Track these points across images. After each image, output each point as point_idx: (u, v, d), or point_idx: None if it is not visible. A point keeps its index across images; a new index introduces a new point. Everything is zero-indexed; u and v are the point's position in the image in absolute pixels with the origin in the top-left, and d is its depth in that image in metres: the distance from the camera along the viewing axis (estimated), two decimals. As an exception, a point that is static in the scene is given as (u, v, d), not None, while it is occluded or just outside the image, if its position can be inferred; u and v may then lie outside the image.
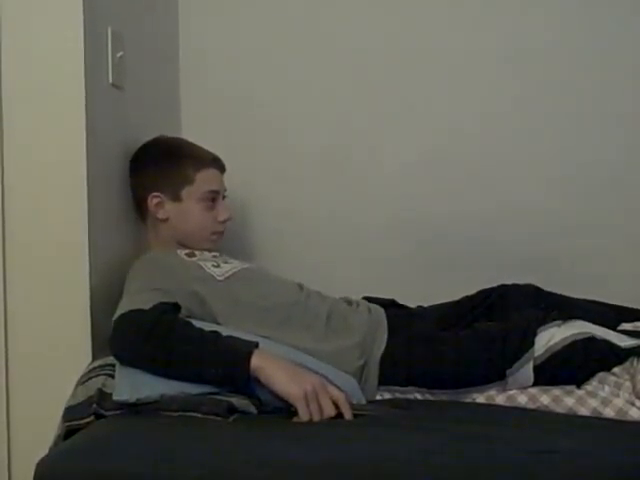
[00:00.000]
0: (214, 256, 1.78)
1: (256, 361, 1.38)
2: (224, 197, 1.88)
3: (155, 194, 1.78)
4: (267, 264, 2.00)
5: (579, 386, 1.50)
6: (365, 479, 1.11)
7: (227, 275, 1.68)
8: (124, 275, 1.71)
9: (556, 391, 1.49)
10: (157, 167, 1.80)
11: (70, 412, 1.38)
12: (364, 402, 1.52)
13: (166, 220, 1.79)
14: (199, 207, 1.79)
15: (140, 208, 1.83)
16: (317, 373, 1.46)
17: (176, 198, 1.78)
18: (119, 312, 1.48)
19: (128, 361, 1.42)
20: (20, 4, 1.59)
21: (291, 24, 2.19)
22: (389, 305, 1.80)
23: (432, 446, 1.20)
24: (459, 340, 1.60)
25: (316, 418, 1.35)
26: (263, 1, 2.19)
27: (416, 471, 1.12)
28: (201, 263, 1.70)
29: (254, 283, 1.70)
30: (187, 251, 1.75)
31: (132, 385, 1.38)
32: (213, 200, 1.81)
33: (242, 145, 2.17)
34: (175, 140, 1.89)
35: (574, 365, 1.51)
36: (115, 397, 1.37)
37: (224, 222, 1.84)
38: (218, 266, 1.70)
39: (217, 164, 1.85)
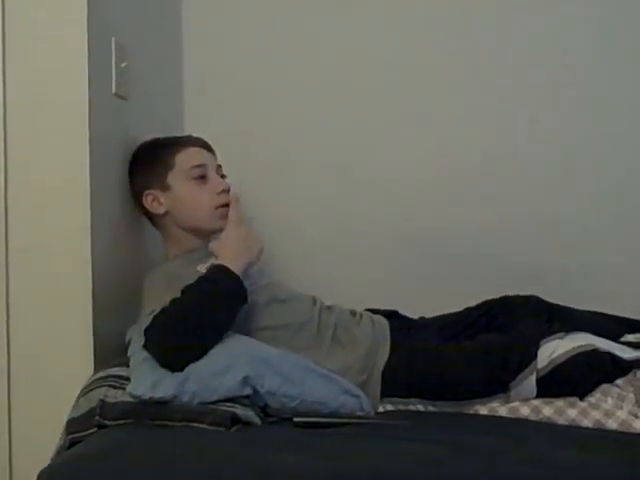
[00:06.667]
0: None
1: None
2: (222, 176, 1.83)
3: (147, 192, 1.75)
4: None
5: (582, 398, 1.49)
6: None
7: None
8: (127, 285, 1.71)
9: (559, 403, 1.48)
10: (141, 167, 1.78)
11: (72, 424, 1.38)
12: (372, 413, 1.52)
13: (166, 213, 1.76)
14: (189, 186, 1.74)
15: (147, 216, 1.82)
16: (328, 378, 1.52)
17: (165, 187, 1.74)
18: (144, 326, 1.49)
19: (171, 347, 1.44)
20: (24, 14, 1.59)
21: (293, 32, 2.19)
22: (391, 316, 1.80)
23: (433, 457, 1.19)
24: (462, 351, 1.60)
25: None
26: (266, 10, 2.20)
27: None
28: None
29: (270, 300, 1.69)
30: (206, 265, 1.70)
31: (147, 383, 1.38)
32: (202, 177, 1.76)
33: (245, 155, 2.18)
34: (154, 139, 1.84)
35: (577, 377, 1.51)
36: (129, 391, 1.38)
37: (221, 193, 1.77)
38: None
39: (195, 142, 1.81)
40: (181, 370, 1.41)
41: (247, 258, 1.62)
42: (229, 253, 1.61)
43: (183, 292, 1.49)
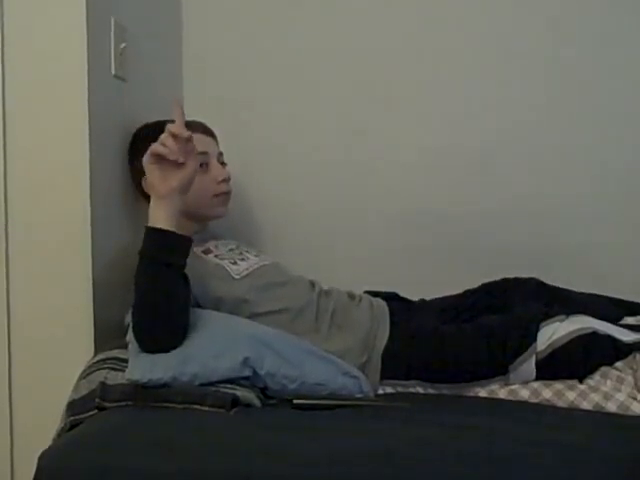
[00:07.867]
0: (230, 249, 1.77)
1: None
2: (223, 163, 1.83)
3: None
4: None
5: (581, 381, 1.50)
6: (364, 471, 1.11)
7: (244, 274, 1.68)
8: (127, 268, 1.70)
9: (558, 385, 1.49)
10: (142, 150, 1.74)
11: (73, 406, 1.38)
12: (372, 395, 1.53)
13: None
14: None
15: (147, 199, 1.80)
16: (327, 359, 1.52)
17: None
18: None
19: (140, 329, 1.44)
20: (23, -5, 1.58)
21: (294, 14, 2.18)
22: (391, 298, 1.81)
23: (433, 439, 1.20)
24: (461, 334, 1.60)
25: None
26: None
27: (416, 464, 1.12)
28: (218, 261, 1.69)
29: (268, 284, 1.69)
30: (203, 248, 1.72)
31: (145, 366, 1.38)
32: (204, 164, 1.74)
33: (244, 137, 2.17)
34: (156, 122, 1.79)
35: (576, 360, 1.51)
36: (127, 376, 1.38)
37: (221, 182, 1.78)
38: (235, 263, 1.70)
39: (198, 128, 1.78)
40: (167, 351, 1.41)
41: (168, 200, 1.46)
42: (152, 202, 1.47)
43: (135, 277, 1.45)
